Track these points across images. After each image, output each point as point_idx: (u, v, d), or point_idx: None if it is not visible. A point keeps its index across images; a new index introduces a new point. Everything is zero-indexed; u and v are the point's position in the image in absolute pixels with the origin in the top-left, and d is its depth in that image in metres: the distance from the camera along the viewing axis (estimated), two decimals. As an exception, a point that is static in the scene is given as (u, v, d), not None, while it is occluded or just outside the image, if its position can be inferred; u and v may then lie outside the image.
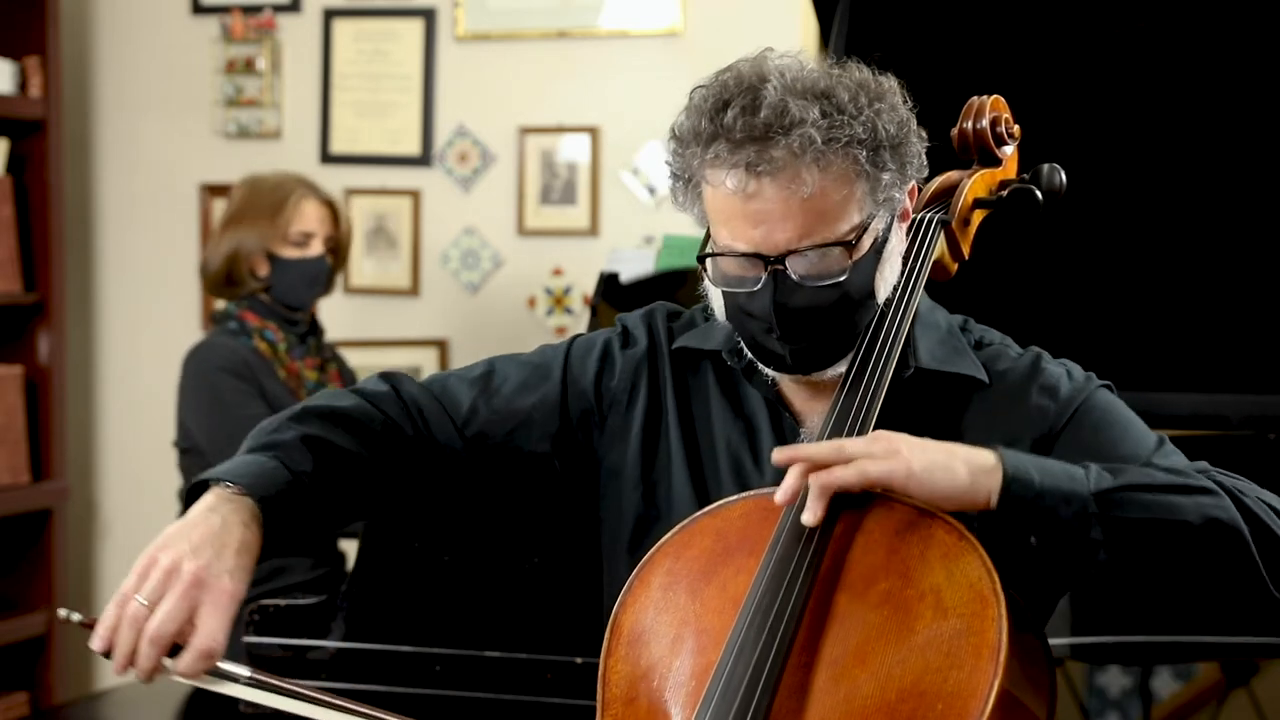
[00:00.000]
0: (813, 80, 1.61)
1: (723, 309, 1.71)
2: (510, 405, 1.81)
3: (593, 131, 4.10)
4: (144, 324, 4.46)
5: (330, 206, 3.56)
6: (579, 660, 2.43)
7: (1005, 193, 1.92)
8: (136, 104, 4.43)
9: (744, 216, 1.61)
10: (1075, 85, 3.07)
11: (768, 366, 1.72)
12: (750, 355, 1.73)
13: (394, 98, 4.24)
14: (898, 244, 1.72)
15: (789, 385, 1.77)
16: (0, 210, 4.03)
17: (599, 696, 1.61)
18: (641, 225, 4.04)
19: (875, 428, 1.64)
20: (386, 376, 1.81)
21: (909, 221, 1.76)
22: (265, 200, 3.49)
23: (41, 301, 4.13)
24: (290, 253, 3.49)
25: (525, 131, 4.14)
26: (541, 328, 4.15)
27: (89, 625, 1.57)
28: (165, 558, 1.56)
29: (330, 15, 4.27)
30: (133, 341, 4.48)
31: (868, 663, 1.50)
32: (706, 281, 1.72)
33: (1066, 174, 1.93)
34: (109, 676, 4.45)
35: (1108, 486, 1.54)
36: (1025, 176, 1.96)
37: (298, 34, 4.30)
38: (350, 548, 3.27)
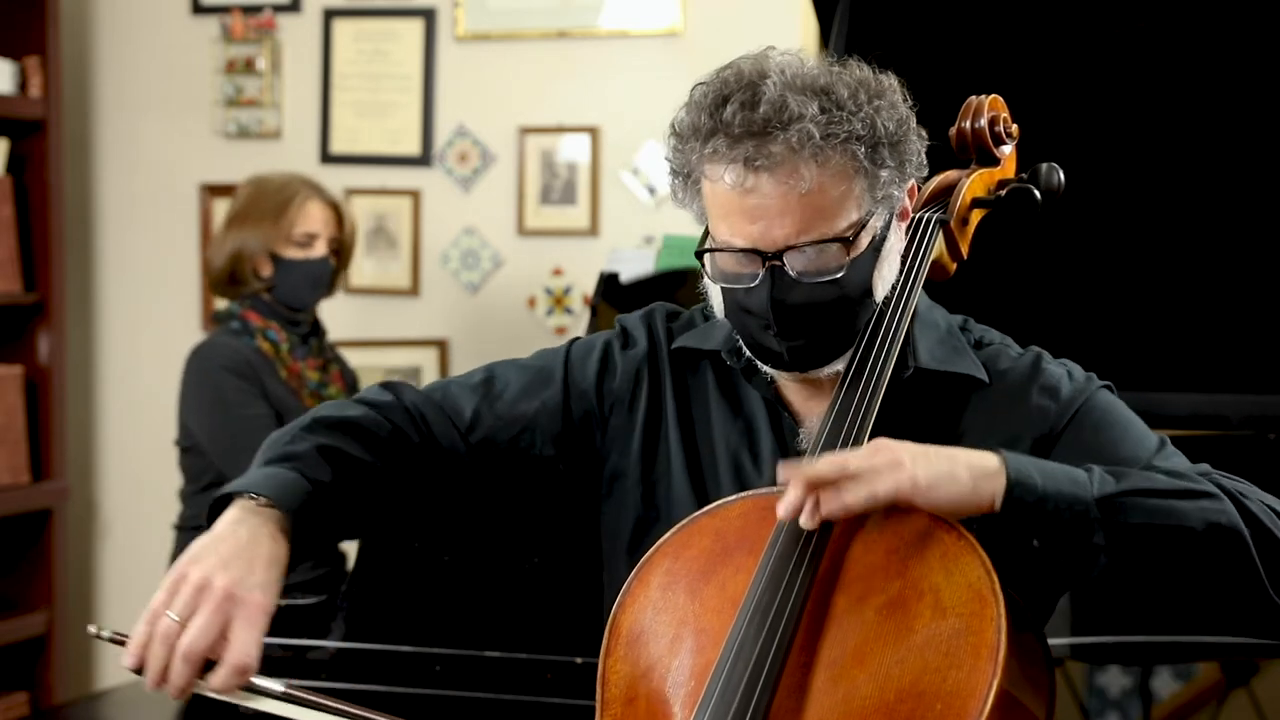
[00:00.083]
0: (812, 77, 1.62)
1: (721, 306, 1.71)
2: (513, 410, 1.81)
3: (593, 131, 4.10)
4: (144, 324, 4.46)
5: (335, 208, 3.56)
6: (579, 660, 2.43)
7: (1004, 192, 1.92)
8: (136, 104, 4.44)
9: (742, 212, 1.61)
10: (1074, 85, 3.07)
11: (766, 364, 1.72)
12: (749, 354, 1.73)
13: (394, 98, 4.24)
14: (896, 242, 1.72)
15: (788, 385, 1.77)
16: (0, 210, 4.04)
17: (598, 696, 1.61)
18: (641, 225, 4.04)
19: (874, 428, 1.64)
20: (388, 386, 1.81)
21: (908, 220, 1.76)
22: (270, 201, 3.49)
23: (41, 301, 4.13)
24: (294, 253, 3.49)
25: (525, 131, 4.14)
26: (541, 328, 4.16)
27: (120, 642, 1.55)
28: (196, 572, 1.54)
29: (330, 15, 4.27)
30: (133, 341, 4.48)
31: (866, 663, 1.50)
32: (706, 278, 1.72)
33: (1065, 173, 1.93)
34: (109, 676, 4.45)
35: (1110, 491, 1.54)
36: (1024, 176, 1.96)
37: (298, 34, 4.30)
38: (350, 548, 3.27)
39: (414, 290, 4.26)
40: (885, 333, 1.71)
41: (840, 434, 1.65)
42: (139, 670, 1.53)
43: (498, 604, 2.60)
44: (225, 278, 3.51)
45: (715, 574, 1.62)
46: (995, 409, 1.73)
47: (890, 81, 1.67)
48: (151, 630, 1.53)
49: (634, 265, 3.49)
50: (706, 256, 1.68)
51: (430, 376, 4.21)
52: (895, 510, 1.57)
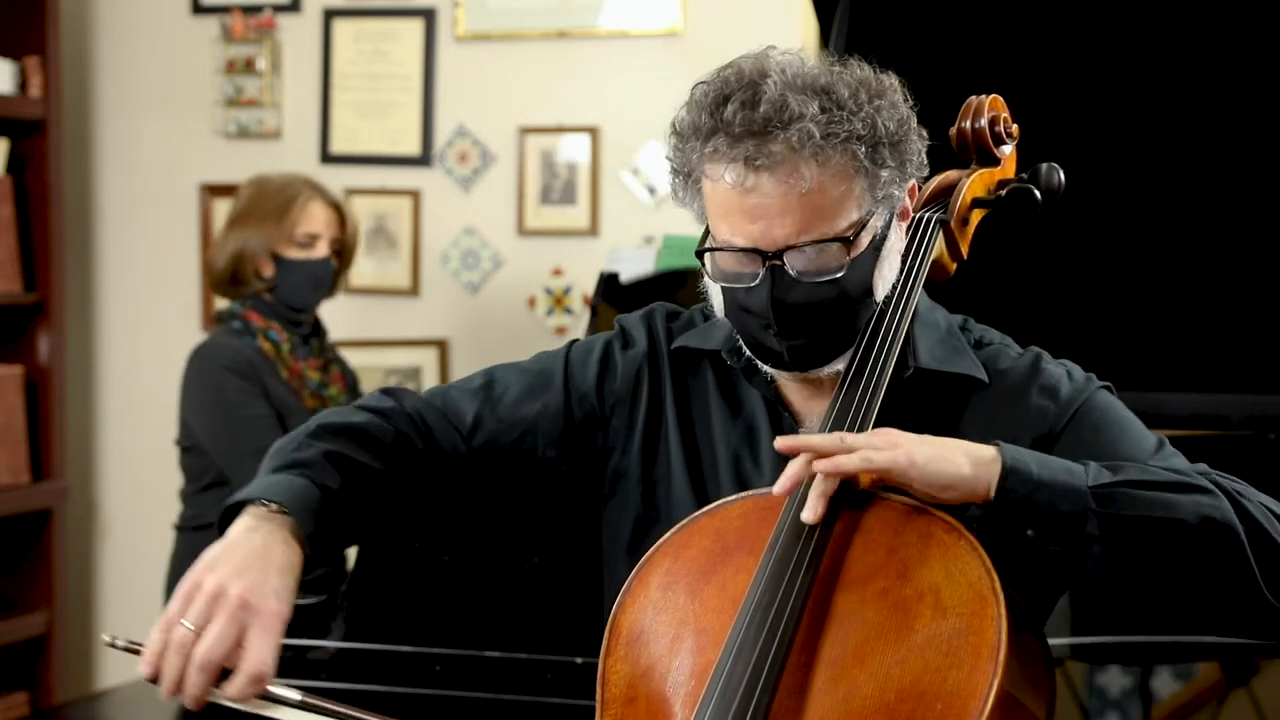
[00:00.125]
0: (813, 76, 1.62)
1: (721, 305, 1.71)
2: (515, 413, 1.81)
3: (593, 131, 4.10)
4: (144, 324, 4.46)
5: (337, 209, 3.56)
6: (579, 660, 2.43)
7: (1004, 192, 1.92)
8: (136, 104, 4.43)
9: (742, 211, 1.61)
10: (1074, 85, 3.07)
11: (766, 364, 1.72)
12: (749, 353, 1.73)
13: (394, 98, 4.24)
14: (896, 242, 1.72)
15: (788, 385, 1.77)
16: (0, 210, 4.04)
17: (598, 696, 1.61)
18: (641, 225, 4.04)
19: (875, 427, 1.65)
20: (388, 392, 1.81)
21: (909, 220, 1.76)
22: (272, 201, 3.49)
23: (41, 301, 4.13)
24: (296, 254, 3.49)
25: (525, 131, 4.14)
26: (541, 328, 4.16)
27: (135, 651, 1.53)
28: (210, 580, 1.53)
29: (330, 15, 4.27)
30: (133, 341, 4.48)
31: (867, 662, 1.50)
32: (706, 278, 1.72)
33: (1065, 173, 1.94)
34: (109, 676, 4.46)
35: (1106, 482, 1.55)
36: (1024, 176, 1.96)
37: (298, 34, 4.30)
38: (350, 548, 3.27)
39: (414, 290, 4.26)
40: (886, 333, 1.71)
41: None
42: (154, 679, 1.52)
43: (498, 604, 2.61)
44: (227, 278, 3.51)
45: (715, 574, 1.62)
46: (995, 409, 1.73)
47: (891, 81, 1.67)
48: (166, 639, 1.52)
49: (634, 265, 3.49)
50: (707, 256, 1.68)
51: (430, 376, 4.21)
52: (896, 510, 1.57)
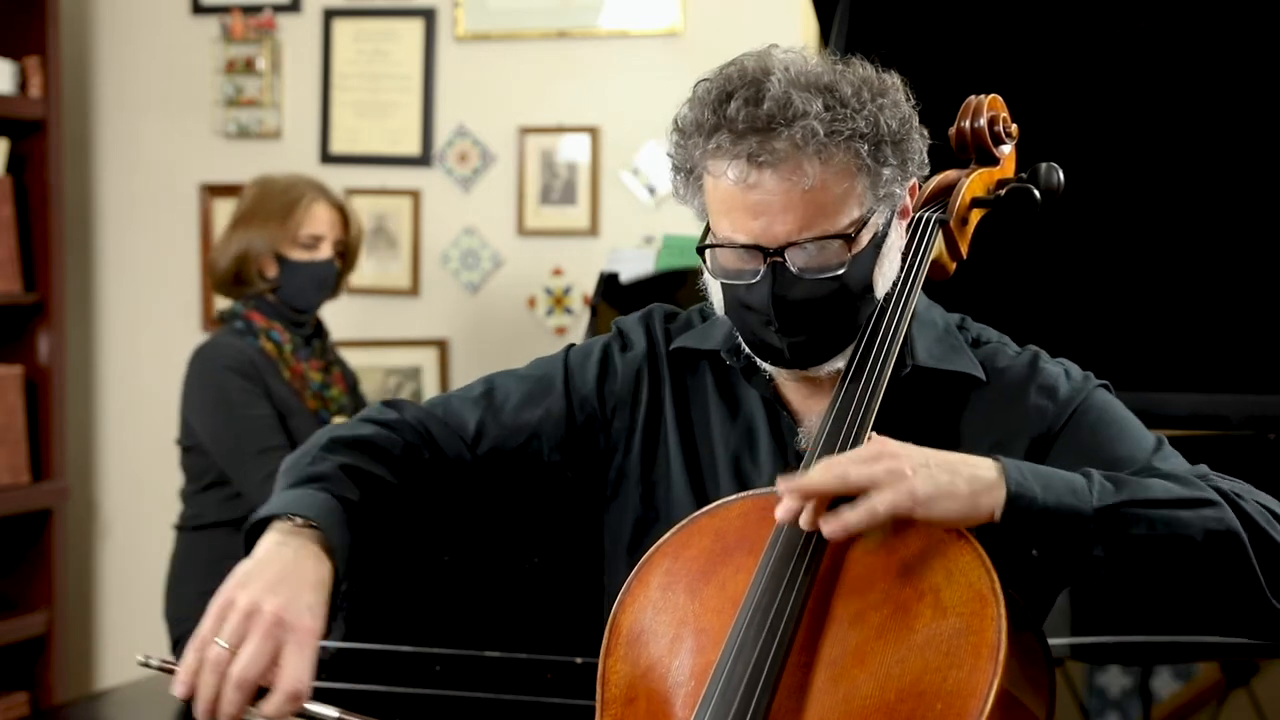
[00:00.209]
0: (817, 74, 1.62)
1: (721, 302, 1.71)
2: (517, 419, 1.81)
3: (593, 131, 4.10)
4: (144, 324, 4.46)
5: (341, 210, 3.56)
6: (579, 660, 2.43)
7: (1003, 192, 1.92)
8: (136, 104, 4.44)
9: (744, 208, 1.61)
10: (1074, 85, 3.07)
11: (765, 361, 1.72)
12: (749, 352, 1.73)
13: (394, 98, 4.24)
14: (897, 240, 1.72)
15: (787, 384, 1.77)
16: (0, 210, 4.04)
17: (598, 696, 1.61)
18: (641, 225, 4.04)
19: (874, 427, 1.64)
20: (391, 404, 1.80)
21: (909, 219, 1.76)
22: (276, 202, 3.50)
23: (41, 301, 4.13)
24: (299, 255, 3.49)
25: (525, 131, 4.14)
26: (541, 328, 4.16)
27: (169, 670, 1.52)
28: (243, 598, 1.52)
29: (330, 15, 4.27)
30: (133, 341, 4.48)
31: (867, 662, 1.50)
32: (706, 274, 1.72)
33: (1065, 173, 1.93)
34: (109, 676, 4.46)
35: (1110, 502, 1.53)
36: (1023, 176, 1.96)
37: (298, 34, 4.30)
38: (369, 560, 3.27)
39: (414, 290, 4.26)
40: (885, 332, 1.71)
41: (840, 433, 1.64)
42: (189, 700, 1.50)
43: (498, 604, 2.61)
44: (230, 278, 3.52)
45: (715, 574, 1.62)
46: (993, 408, 1.73)
47: (893, 80, 1.67)
48: (201, 658, 1.50)
49: (634, 265, 3.49)
50: (707, 252, 1.68)
51: (430, 376, 4.21)
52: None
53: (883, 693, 1.48)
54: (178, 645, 3.47)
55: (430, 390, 4.18)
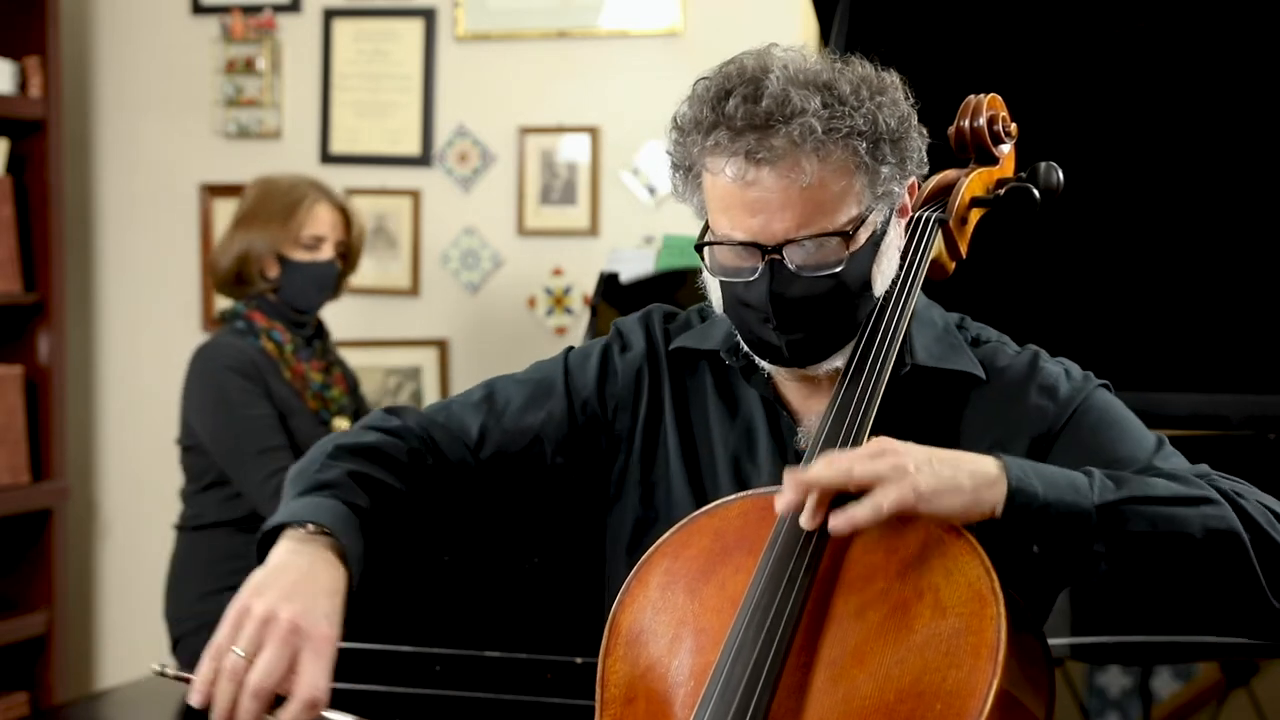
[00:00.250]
0: (815, 72, 1.62)
1: (720, 300, 1.71)
2: (519, 423, 1.81)
3: (593, 131, 4.10)
4: (144, 324, 4.46)
5: (343, 211, 3.56)
6: (579, 660, 2.43)
7: (1002, 191, 1.91)
8: (136, 104, 4.43)
9: (743, 205, 1.61)
10: (1073, 84, 3.07)
11: (764, 359, 1.72)
12: (747, 350, 1.73)
13: (394, 98, 4.24)
14: (895, 238, 1.72)
15: (786, 383, 1.77)
16: (0, 210, 4.04)
17: (597, 696, 1.61)
18: (641, 225, 4.04)
19: (874, 426, 1.64)
20: (392, 411, 1.80)
21: (908, 218, 1.76)
22: (278, 202, 3.50)
23: (41, 301, 4.13)
24: (301, 256, 3.49)
25: (525, 131, 4.14)
26: (541, 328, 4.16)
27: (184, 680, 1.51)
28: (259, 606, 1.51)
29: (330, 15, 4.27)
30: (133, 341, 4.48)
31: (866, 662, 1.50)
32: (705, 272, 1.72)
33: (1064, 173, 1.93)
34: (109, 676, 4.46)
35: (1111, 499, 1.53)
36: (1022, 175, 1.96)
37: (298, 34, 4.30)
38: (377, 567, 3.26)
39: (414, 290, 4.26)
40: (885, 330, 1.71)
41: (840, 432, 1.64)
42: (206, 708, 1.50)
43: (498, 604, 2.60)
44: (231, 278, 3.52)
45: (714, 573, 1.62)
46: (993, 407, 1.72)
47: (892, 79, 1.67)
48: (218, 667, 1.50)
49: (634, 265, 3.49)
50: (706, 250, 1.68)
51: (430, 376, 4.21)
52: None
53: (882, 693, 1.48)
54: (178, 645, 3.47)
55: (430, 390, 4.18)
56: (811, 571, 1.54)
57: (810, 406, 1.75)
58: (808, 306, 1.65)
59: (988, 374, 1.74)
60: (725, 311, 1.71)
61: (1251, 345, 3.13)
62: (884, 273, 1.70)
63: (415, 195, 4.23)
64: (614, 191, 4.09)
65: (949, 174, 1.92)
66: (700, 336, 1.82)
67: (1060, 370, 1.74)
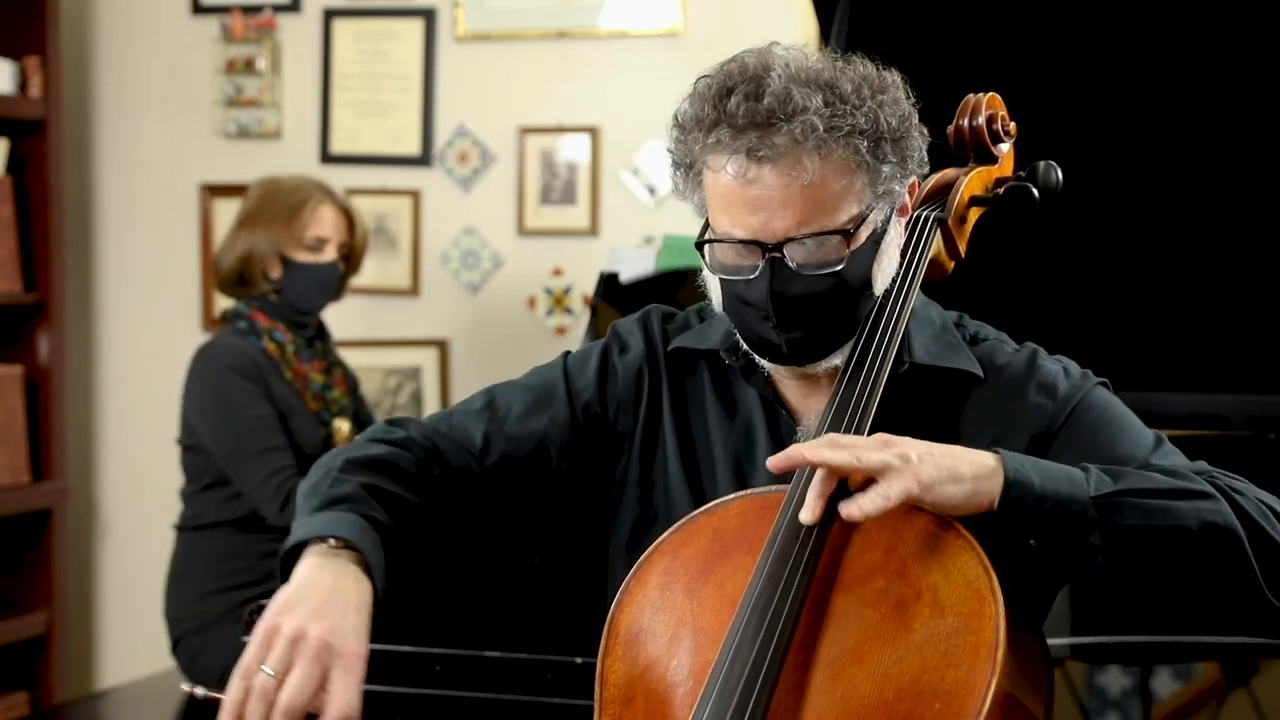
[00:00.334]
0: (817, 71, 1.62)
1: (720, 298, 1.71)
2: (523, 429, 1.81)
3: (593, 131, 4.10)
4: (144, 324, 4.46)
5: (346, 213, 3.56)
6: (579, 660, 2.43)
7: (1001, 190, 1.92)
8: (136, 104, 4.44)
9: (744, 203, 1.62)
10: (1072, 83, 3.07)
11: (764, 357, 1.72)
12: (747, 349, 1.73)
13: (394, 98, 4.24)
14: (896, 237, 1.73)
15: (785, 383, 1.77)
16: (0, 210, 4.04)
17: (596, 696, 1.61)
18: (641, 225, 4.04)
19: (873, 424, 1.64)
20: (395, 422, 1.80)
21: (908, 217, 1.76)
22: (282, 203, 3.50)
23: (41, 301, 4.13)
24: (304, 257, 3.49)
25: (525, 131, 4.14)
26: (541, 328, 4.15)
27: (214, 700, 1.50)
28: (288, 624, 1.50)
29: (330, 15, 4.27)
30: (133, 341, 4.48)
31: (865, 661, 1.50)
32: (705, 270, 1.72)
33: (1063, 172, 1.93)
34: (109, 676, 4.46)
35: (1107, 491, 1.54)
36: (1021, 174, 1.96)
37: (298, 34, 4.30)
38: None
39: (414, 290, 4.26)
40: (884, 329, 1.71)
41: (839, 430, 1.64)
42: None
43: (498, 604, 2.60)
44: (234, 278, 3.52)
45: (713, 573, 1.62)
46: (992, 405, 1.73)
47: (893, 78, 1.68)
48: (248, 686, 1.49)
49: (634, 265, 3.49)
50: (706, 248, 1.69)
51: (430, 376, 4.21)
52: (894, 509, 1.57)
53: (881, 692, 1.48)
54: (178, 645, 3.47)
55: (430, 390, 4.18)
56: (810, 570, 1.54)
57: (809, 406, 1.75)
58: (808, 305, 1.65)
59: (986, 372, 1.74)
60: (725, 309, 1.71)
61: (1251, 345, 3.13)
62: (884, 271, 1.71)
63: (415, 195, 4.23)
64: (614, 191, 4.09)
65: (948, 173, 1.92)
66: (699, 336, 1.82)
67: (1059, 368, 1.74)
